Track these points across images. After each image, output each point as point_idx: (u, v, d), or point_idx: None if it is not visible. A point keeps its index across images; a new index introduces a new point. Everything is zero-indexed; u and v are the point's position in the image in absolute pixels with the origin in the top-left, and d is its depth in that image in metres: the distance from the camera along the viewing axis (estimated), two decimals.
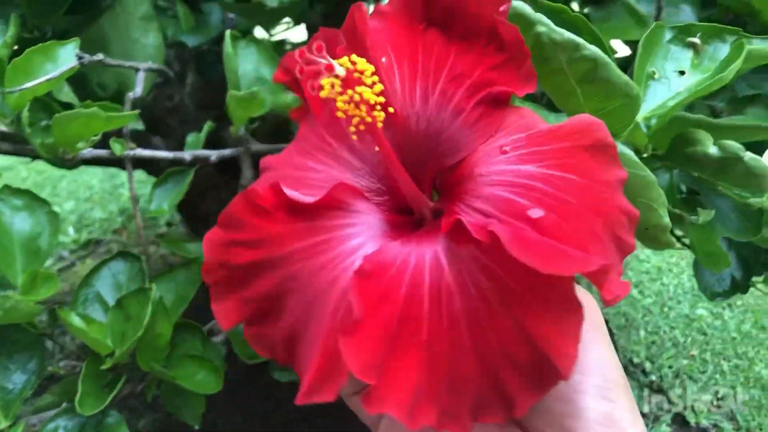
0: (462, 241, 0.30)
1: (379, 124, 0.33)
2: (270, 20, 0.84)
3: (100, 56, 0.54)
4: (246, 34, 1.28)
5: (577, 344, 0.27)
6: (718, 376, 1.70)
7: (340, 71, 0.31)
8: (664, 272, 2.09)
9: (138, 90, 0.57)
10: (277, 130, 0.89)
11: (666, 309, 1.99)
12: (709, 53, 0.49)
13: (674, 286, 2.05)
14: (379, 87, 0.32)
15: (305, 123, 0.40)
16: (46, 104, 0.55)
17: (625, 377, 0.35)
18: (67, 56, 0.53)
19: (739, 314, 1.95)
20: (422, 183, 0.37)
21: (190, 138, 0.63)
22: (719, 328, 1.89)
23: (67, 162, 0.57)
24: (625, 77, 0.42)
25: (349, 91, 0.31)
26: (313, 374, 0.30)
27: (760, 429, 1.52)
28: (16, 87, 0.49)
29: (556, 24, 0.46)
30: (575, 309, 0.28)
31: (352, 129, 0.33)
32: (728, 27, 0.49)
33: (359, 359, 0.27)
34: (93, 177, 2.91)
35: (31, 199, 0.61)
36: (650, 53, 0.49)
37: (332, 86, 0.31)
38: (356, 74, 0.32)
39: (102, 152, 0.56)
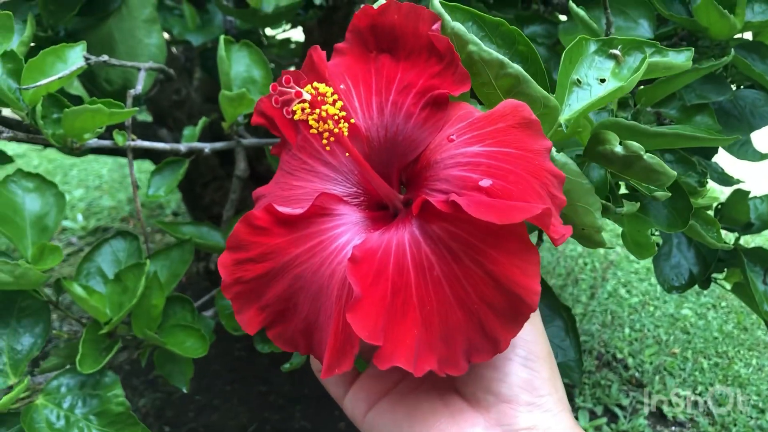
0: (430, 217, 0.37)
1: (345, 132, 0.40)
2: (266, 24, 0.91)
3: (104, 57, 0.61)
4: (249, 33, 1.36)
5: (537, 280, 0.34)
6: (697, 373, 1.75)
7: (306, 96, 0.39)
8: (652, 272, 2.11)
9: (139, 87, 0.63)
10: None
11: (652, 308, 2.04)
12: (629, 64, 0.55)
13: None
14: (339, 104, 0.40)
15: (284, 153, 0.48)
16: (57, 99, 0.62)
17: (551, 353, 0.41)
18: (75, 57, 0.60)
19: (723, 315, 2.00)
20: (391, 180, 0.44)
21: (187, 131, 0.70)
22: (702, 328, 1.94)
23: (74, 150, 0.65)
24: (543, 92, 0.48)
25: (317, 110, 0.39)
26: (330, 352, 0.37)
27: (735, 424, 1.58)
28: (31, 84, 0.56)
29: (495, 36, 0.53)
30: (531, 251, 0.34)
31: (324, 141, 0.40)
32: (647, 40, 0.55)
33: (366, 328, 0.34)
34: (103, 166, 2.99)
35: (41, 181, 0.68)
36: (575, 62, 0.55)
37: (303, 109, 0.39)
38: (319, 97, 0.39)
39: (106, 142, 0.63)
